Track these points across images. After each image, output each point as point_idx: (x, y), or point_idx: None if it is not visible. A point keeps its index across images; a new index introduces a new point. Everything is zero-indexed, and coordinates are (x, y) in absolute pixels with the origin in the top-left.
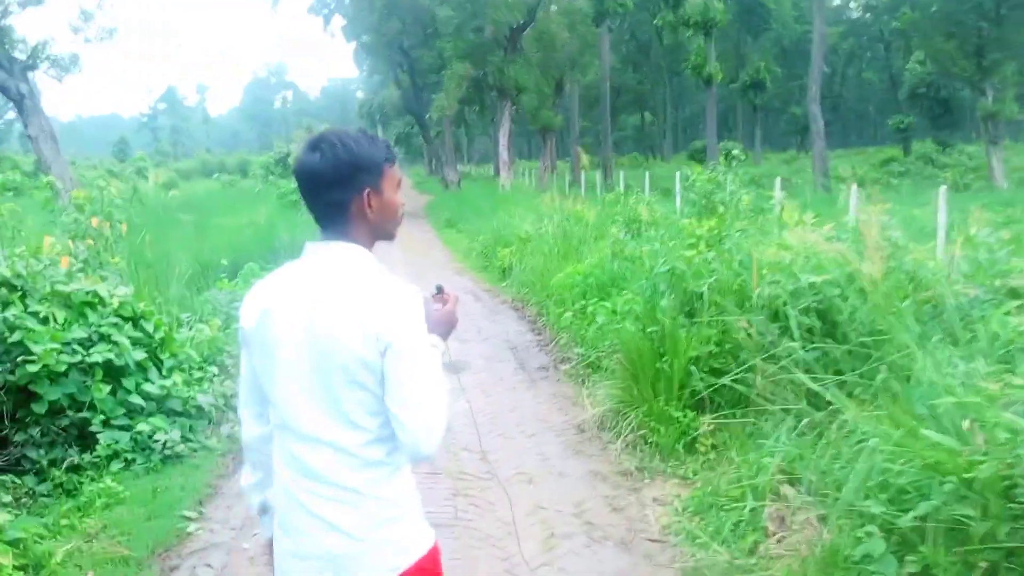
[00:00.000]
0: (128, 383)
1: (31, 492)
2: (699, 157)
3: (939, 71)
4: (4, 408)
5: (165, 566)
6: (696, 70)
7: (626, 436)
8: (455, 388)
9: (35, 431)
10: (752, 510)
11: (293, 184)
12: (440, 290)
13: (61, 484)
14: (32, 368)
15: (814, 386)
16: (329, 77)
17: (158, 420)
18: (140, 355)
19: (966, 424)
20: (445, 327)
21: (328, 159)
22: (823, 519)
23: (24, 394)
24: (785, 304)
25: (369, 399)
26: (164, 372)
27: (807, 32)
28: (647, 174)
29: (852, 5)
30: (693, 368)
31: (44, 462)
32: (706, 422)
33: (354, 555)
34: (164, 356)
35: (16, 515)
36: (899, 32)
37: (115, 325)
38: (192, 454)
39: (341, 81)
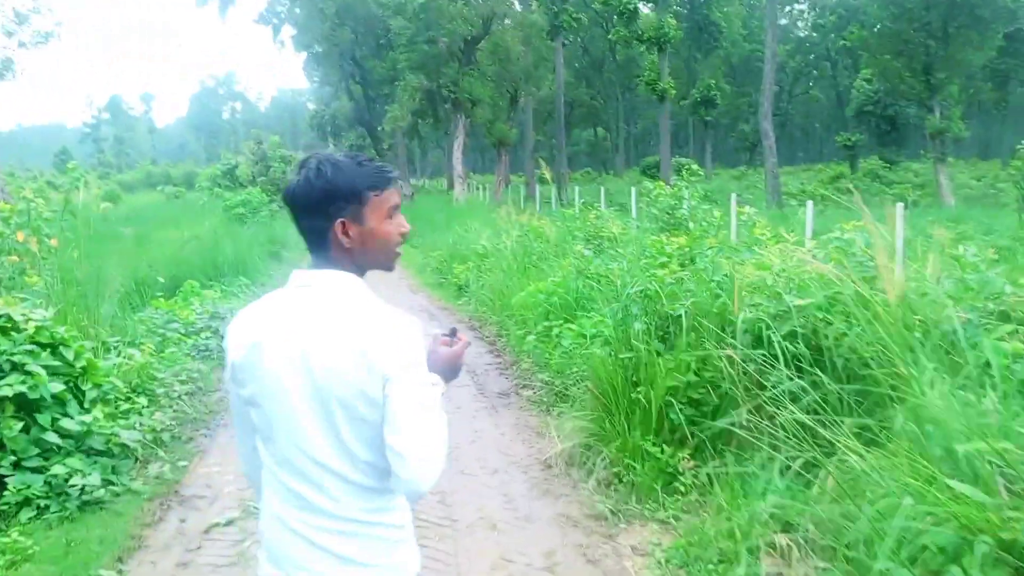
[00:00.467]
0: (43, 419)
1: None
2: (651, 173)
3: (888, 89)
4: None
5: None
6: (650, 85)
7: (598, 474)
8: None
9: None
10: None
11: (239, 197)
12: (454, 333)
13: None
14: None
15: (810, 422)
16: (279, 87)
17: (76, 461)
18: (58, 387)
19: (1000, 482)
20: (449, 370)
21: (303, 185)
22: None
23: None
24: (769, 329)
25: (368, 430)
26: (86, 405)
27: (755, 51)
28: (602, 189)
29: (799, 24)
30: (671, 400)
31: None
32: (686, 458)
33: None
34: (86, 387)
35: None
36: (847, 50)
37: (30, 352)
38: (114, 499)
39: (291, 92)
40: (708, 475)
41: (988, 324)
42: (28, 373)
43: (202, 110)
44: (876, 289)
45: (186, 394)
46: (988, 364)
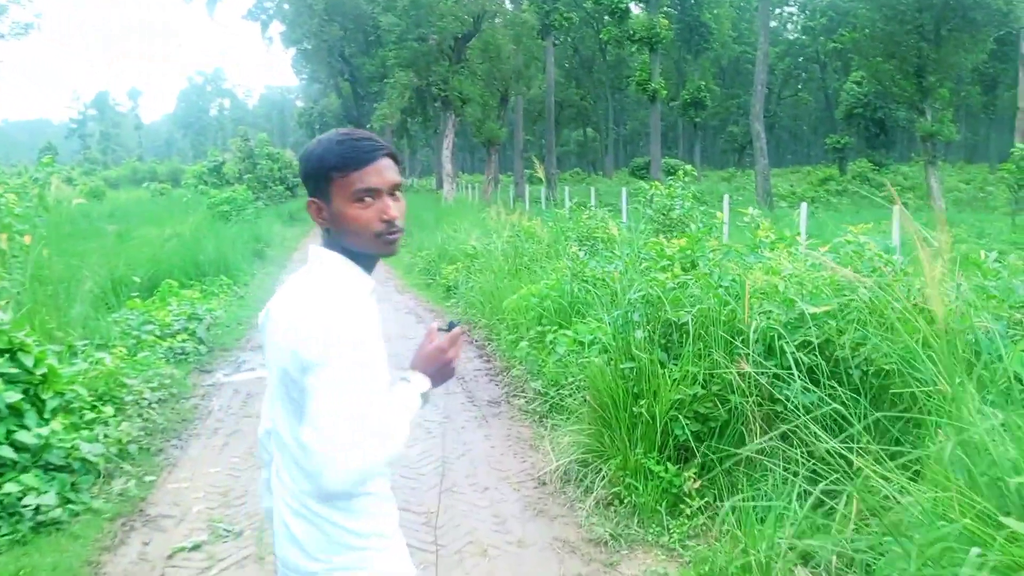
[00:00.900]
0: None
1: None
2: (641, 174)
3: (878, 91)
4: None
5: None
6: (641, 86)
7: (597, 493)
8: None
9: None
10: None
11: (224, 195)
12: (451, 327)
13: None
14: None
15: (837, 445)
16: (267, 84)
17: (30, 477)
18: (15, 396)
19: None
20: (434, 367)
21: (299, 162)
22: None
23: None
24: (782, 339)
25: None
26: (46, 415)
27: (745, 52)
28: (592, 189)
29: (789, 27)
30: (676, 414)
31: None
32: (692, 478)
33: (312, 574)
34: (47, 395)
35: None
36: (836, 53)
37: None
38: (72, 520)
39: (280, 89)
40: (716, 495)
41: (1016, 335)
42: None
43: (190, 107)
44: (891, 296)
45: (157, 402)
46: (1019, 379)
